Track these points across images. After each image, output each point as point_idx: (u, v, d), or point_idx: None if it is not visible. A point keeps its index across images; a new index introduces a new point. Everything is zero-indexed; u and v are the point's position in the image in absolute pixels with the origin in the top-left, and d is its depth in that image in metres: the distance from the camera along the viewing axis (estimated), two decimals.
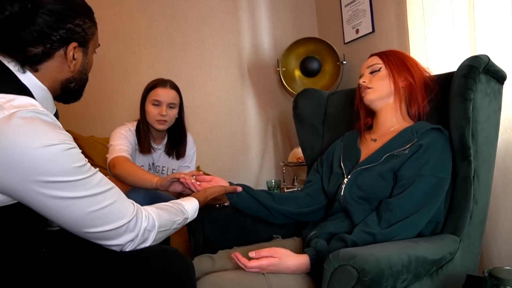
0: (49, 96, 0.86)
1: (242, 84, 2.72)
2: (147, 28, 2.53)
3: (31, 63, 0.81)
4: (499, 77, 1.10)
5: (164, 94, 1.63)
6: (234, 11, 2.69)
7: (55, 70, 0.84)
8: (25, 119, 0.71)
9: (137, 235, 0.86)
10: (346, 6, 2.42)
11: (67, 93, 0.91)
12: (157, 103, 1.62)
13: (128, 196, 1.42)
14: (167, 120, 1.64)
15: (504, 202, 1.36)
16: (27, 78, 0.81)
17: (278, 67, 2.52)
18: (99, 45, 0.97)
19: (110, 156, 1.56)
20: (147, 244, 0.89)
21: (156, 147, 1.74)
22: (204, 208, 1.16)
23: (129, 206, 0.86)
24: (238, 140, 2.72)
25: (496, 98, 1.11)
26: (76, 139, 2.02)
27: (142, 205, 1.59)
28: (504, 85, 1.14)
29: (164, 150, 1.75)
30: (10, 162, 0.69)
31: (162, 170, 1.75)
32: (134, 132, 1.66)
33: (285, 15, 2.78)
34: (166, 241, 1.23)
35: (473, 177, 1.05)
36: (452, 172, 1.06)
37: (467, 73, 1.03)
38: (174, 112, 1.66)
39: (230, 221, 1.32)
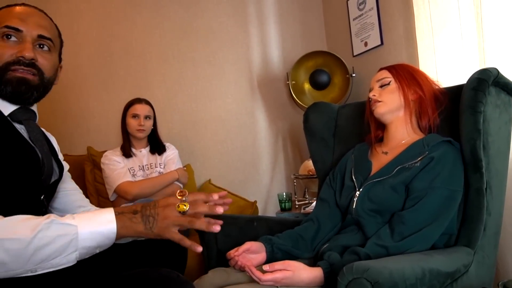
0: None
1: (252, 98, 2.75)
2: (158, 44, 2.58)
3: None
4: (509, 89, 1.10)
5: (140, 109, 2.05)
6: (244, 25, 2.74)
7: None
8: None
9: None
10: (354, 19, 2.45)
11: None
12: (136, 116, 2.03)
13: None
14: (145, 129, 2.06)
15: None
16: None
17: (288, 80, 2.55)
18: (9, 28, 0.91)
19: (113, 186, 1.93)
20: None
21: (141, 151, 2.12)
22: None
23: None
24: (249, 153, 2.74)
25: (506, 110, 1.11)
26: (94, 155, 2.13)
27: None
28: None
29: (150, 151, 2.14)
30: None
31: (151, 166, 2.10)
32: (119, 150, 2.07)
33: (294, 29, 2.82)
34: (182, 262, 1.21)
35: (486, 188, 1.05)
36: (465, 184, 1.06)
37: (476, 86, 1.04)
38: (150, 123, 2.08)
39: (243, 234, 1.33)
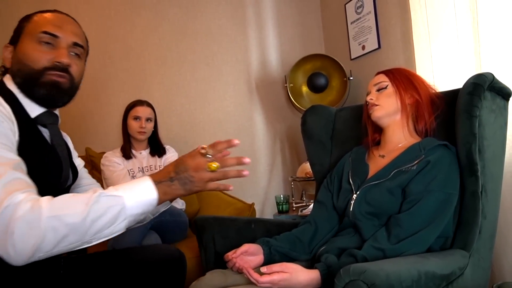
0: (21, 95, 0.95)
1: (250, 100, 2.76)
2: (157, 46, 2.59)
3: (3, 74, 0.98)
4: (504, 93, 1.12)
5: (142, 111, 2.05)
6: (242, 28, 2.75)
7: (9, 72, 0.97)
8: None
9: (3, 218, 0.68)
10: (352, 23, 2.47)
11: (23, 91, 0.95)
12: (137, 118, 2.04)
13: None
14: (146, 132, 2.06)
15: None
16: (8, 80, 0.95)
17: (286, 83, 2.56)
18: (48, 33, 0.95)
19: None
20: (27, 237, 0.68)
21: (141, 153, 2.12)
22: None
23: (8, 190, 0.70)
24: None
25: (502, 114, 1.13)
26: (92, 156, 2.15)
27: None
28: (510, 101, 1.16)
29: (150, 153, 2.14)
30: None
31: (150, 168, 2.11)
32: (119, 151, 2.08)
33: (292, 32, 2.84)
34: (181, 276, 1.22)
35: (481, 192, 1.06)
36: (460, 187, 1.07)
37: (472, 91, 1.05)
38: (151, 125, 2.09)
39: (241, 236, 1.34)
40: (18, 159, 0.78)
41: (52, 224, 0.68)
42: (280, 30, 2.82)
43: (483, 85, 1.04)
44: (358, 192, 1.16)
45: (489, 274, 1.13)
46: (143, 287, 1.12)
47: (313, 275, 0.99)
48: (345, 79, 2.45)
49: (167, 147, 2.20)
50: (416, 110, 1.19)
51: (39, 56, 0.93)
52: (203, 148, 0.84)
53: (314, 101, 2.48)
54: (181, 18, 2.64)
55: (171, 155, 2.17)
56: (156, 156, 2.14)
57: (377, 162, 1.21)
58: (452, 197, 1.04)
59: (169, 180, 0.81)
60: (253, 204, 2.12)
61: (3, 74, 1.00)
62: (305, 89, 2.58)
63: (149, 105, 2.11)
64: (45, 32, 0.94)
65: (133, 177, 2.03)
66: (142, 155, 2.13)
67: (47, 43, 0.95)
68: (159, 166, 2.12)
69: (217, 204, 2.26)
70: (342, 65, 2.44)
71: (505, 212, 1.36)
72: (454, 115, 1.13)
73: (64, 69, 0.96)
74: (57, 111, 1.05)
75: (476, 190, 1.06)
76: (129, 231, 1.66)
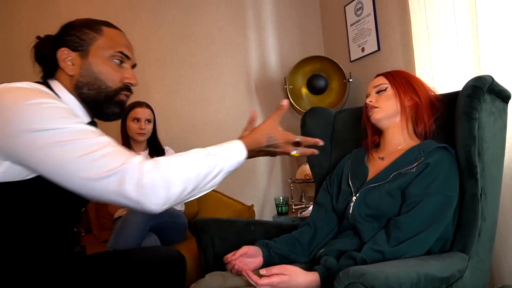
0: (76, 103, 0.96)
1: (249, 102, 2.76)
2: (157, 48, 2.60)
3: (50, 74, 0.98)
4: (504, 96, 1.12)
5: (141, 112, 2.06)
6: (242, 30, 2.75)
7: (62, 77, 0.97)
8: (16, 86, 0.83)
9: (133, 175, 0.79)
10: (351, 25, 2.48)
11: (88, 102, 0.98)
12: (137, 119, 2.05)
13: (129, 212, 1.55)
14: (145, 133, 2.07)
15: None
16: (54, 84, 0.96)
17: (285, 85, 2.56)
18: (123, 54, 1.00)
19: None
20: (159, 189, 0.80)
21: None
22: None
23: (123, 153, 0.83)
24: None
25: (501, 117, 1.13)
26: None
27: (141, 224, 1.75)
28: (509, 104, 1.16)
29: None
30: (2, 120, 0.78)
31: None
32: None
33: (291, 34, 2.84)
34: (181, 277, 1.25)
35: (481, 194, 1.06)
36: (460, 190, 1.07)
37: (471, 93, 1.05)
38: (150, 126, 2.10)
39: (240, 238, 1.34)
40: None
41: (172, 178, 0.81)
42: (279, 32, 2.82)
43: (482, 88, 1.04)
44: (357, 195, 1.16)
45: (488, 277, 1.13)
46: (144, 287, 1.12)
47: (312, 277, 0.99)
48: (344, 81, 2.45)
49: (166, 148, 2.20)
50: (415, 112, 1.19)
51: (115, 76, 0.98)
52: (296, 143, 1.01)
53: (314, 103, 2.49)
54: (181, 20, 2.65)
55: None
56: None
57: (376, 164, 1.21)
58: (451, 200, 1.04)
59: (259, 150, 0.97)
60: (252, 206, 2.12)
61: (47, 76, 0.98)
62: (304, 91, 2.58)
63: (148, 106, 2.12)
64: (123, 53, 0.99)
65: None
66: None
67: (117, 61, 0.98)
68: None
69: (216, 206, 2.26)
70: (341, 67, 2.44)
71: (505, 215, 1.36)
72: (453, 118, 1.13)
73: (130, 88, 1.03)
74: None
75: (476, 192, 1.06)
76: (128, 232, 1.67)
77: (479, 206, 1.06)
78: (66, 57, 0.95)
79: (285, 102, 1.03)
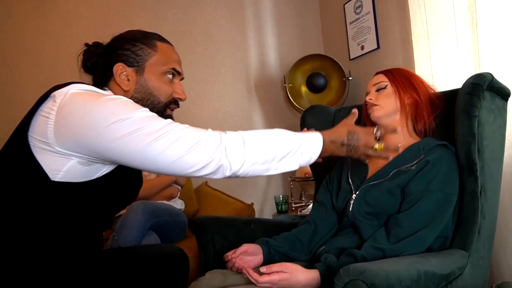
0: None
1: (249, 100, 2.76)
2: None
3: (101, 83, 1.00)
4: (503, 93, 1.12)
5: None
6: (241, 29, 2.75)
7: (115, 89, 0.98)
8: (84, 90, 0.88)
9: (216, 147, 0.83)
10: (351, 23, 2.47)
11: None
12: None
13: (129, 211, 1.56)
14: None
15: None
16: (108, 93, 0.97)
17: (285, 83, 2.56)
18: (175, 70, 1.03)
19: None
20: (237, 163, 0.84)
21: None
22: None
23: (200, 130, 0.86)
24: None
25: (501, 114, 1.13)
26: None
27: (141, 223, 1.76)
28: (509, 101, 1.16)
29: None
30: (80, 122, 0.82)
31: None
32: None
33: (291, 32, 2.84)
34: (184, 275, 1.27)
35: (480, 192, 1.06)
36: (459, 187, 1.07)
37: (471, 91, 1.05)
38: None
39: (240, 236, 1.34)
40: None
41: (252, 151, 0.84)
42: (279, 30, 2.82)
43: (482, 85, 1.05)
44: (357, 192, 1.16)
45: (488, 274, 1.13)
46: (147, 283, 1.13)
47: (312, 275, 0.99)
48: (344, 79, 2.45)
49: None
50: (415, 110, 1.19)
51: (167, 91, 1.01)
52: (377, 130, 0.97)
53: (313, 102, 2.48)
54: (180, 19, 2.64)
55: None
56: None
57: (376, 162, 1.21)
58: (451, 197, 1.04)
59: (340, 144, 0.94)
60: (252, 204, 2.12)
61: (99, 85, 0.99)
62: (304, 89, 2.58)
63: None
64: (175, 70, 1.02)
65: None
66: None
67: (170, 76, 1.02)
68: None
69: (216, 204, 2.26)
70: (341, 65, 2.44)
71: (504, 212, 1.36)
72: (453, 115, 1.13)
73: (178, 103, 1.06)
74: None
75: (475, 190, 1.06)
76: (128, 231, 1.67)
77: (479, 203, 1.06)
78: (122, 72, 0.97)
79: (354, 110, 1.06)
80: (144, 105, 0.96)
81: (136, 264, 1.15)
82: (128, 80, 0.97)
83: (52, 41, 2.48)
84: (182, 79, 1.07)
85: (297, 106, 2.52)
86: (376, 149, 0.96)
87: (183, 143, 0.81)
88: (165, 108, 1.02)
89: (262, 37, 2.79)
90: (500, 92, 1.11)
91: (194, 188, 2.54)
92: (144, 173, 2.07)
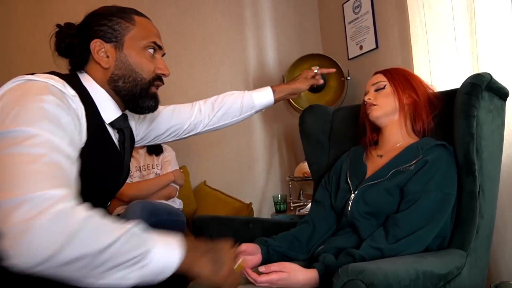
0: (106, 96, 0.94)
1: None
2: None
3: (79, 66, 0.94)
4: (502, 94, 1.12)
5: None
6: (240, 28, 2.75)
7: (94, 69, 0.93)
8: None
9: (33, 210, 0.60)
10: (349, 23, 2.47)
11: (123, 95, 0.95)
12: None
13: (128, 211, 1.52)
14: None
15: (510, 216, 1.37)
16: (84, 77, 0.92)
17: (284, 83, 2.56)
18: (156, 44, 0.97)
19: None
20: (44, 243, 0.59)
21: (138, 152, 2.14)
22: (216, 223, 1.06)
23: (59, 191, 0.64)
24: (244, 154, 2.75)
25: (499, 114, 1.13)
26: None
27: (141, 218, 1.77)
28: (507, 101, 1.16)
29: (147, 152, 2.14)
30: None
31: (147, 167, 2.11)
32: None
33: (289, 32, 2.83)
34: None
35: (479, 192, 1.06)
36: (458, 187, 1.08)
37: (470, 91, 1.05)
38: None
39: (239, 236, 1.33)
40: (69, 150, 0.73)
41: (74, 239, 0.61)
42: (277, 29, 2.82)
43: (481, 85, 1.05)
44: (356, 192, 1.16)
45: (486, 274, 1.13)
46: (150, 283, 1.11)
47: (311, 274, 0.99)
48: (342, 79, 2.45)
49: (164, 146, 2.19)
50: (414, 110, 1.20)
51: (149, 67, 0.95)
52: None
53: (312, 101, 2.48)
54: (178, 17, 2.64)
55: (168, 154, 2.17)
56: (153, 155, 2.14)
57: (375, 162, 1.22)
58: (449, 197, 1.05)
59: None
60: (250, 203, 2.12)
61: (75, 68, 0.95)
62: None
63: None
64: (156, 44, 0.96)
65: (130, 176, 2.02)
66: (139, 154, 2.12)
67: (151, 51, 0.96)
68: (157, 165, 2.12)
69: (214, 204, 2.26)
70: (339, 65, 2.44)
71: (502, 212, 1.36)
72: (452, 115, 1.13)
73: (162, 79, 1.00)
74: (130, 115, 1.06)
75: (474, 190, 1.06)
76: None
77: (477, 203, 1.06)
78: (100, 48, 0.92)
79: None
80: (126, 82, 0.93)
81: None
82: (108, 56, 0.92)
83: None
84: (163, 54, 1.02)
85: (296, 105, 2.52)
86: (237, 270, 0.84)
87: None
88: (149, 86, 0.96)
89: (260, 37, 2.79)
90: (498, 92, 1.11)
91: (192, 187, 2.54)
92: (143, 173, 2.07)
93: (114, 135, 0.98)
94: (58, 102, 0.76)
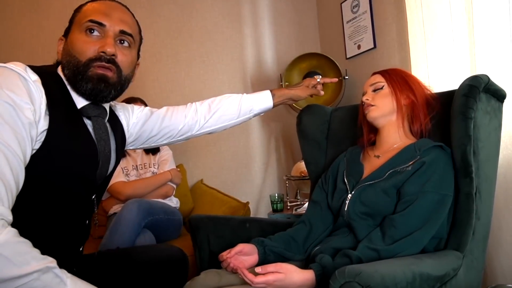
0: (70, 89, 0.94)
1: None
2: (152, 43, 2.58)
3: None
4: (499, 95, 1.12)
5: None
6: (238, 26, 2.74)
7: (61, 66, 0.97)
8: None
9: None
10: (347, 22, 2.47)
11: (70, 83, 0.93)
12: None
13: (124, 209, 1.49)
14: None
15: (506, 218, 1.38)
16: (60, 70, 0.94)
17: (281, 82, 2.56)
18: (94, 22, 0.91)
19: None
20: None
21: (135, 151, 2.12)
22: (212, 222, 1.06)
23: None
24: (241, 153, 2.74)
25: (496, 116, 1.13)
26: None
27: (136, 221, 1.77)
28: (504, 103, 1.17)
29: (144, 151, 2.13)
30: None
31: (144, 166, 2.10)
32: None
33: (288, 30, 2.83)
34: (183, 276, 1.22)
35: (475, 193, 1.06)
36: (455, 188, 1.08)
37: (467, 93, 1.05)
38: None
39: (236, 236, 1.34)
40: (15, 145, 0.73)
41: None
42: (276, 28, 2.81)
43: (478, 87, 1.05)
44: (353, 192, 1.16)
45: (482, 276, 1.13)
46: (146, 286, 1.11)
47: (307, 275, 0.99)
48: (340, 78, 2.45)
49: (164, 151, 2.19)
50: (411, 111, 1.20)
51: (84, 47, 0.89)
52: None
53: (309, 101, 2.48)
54: (176, 15, 2.63)
55: (165, 153, 2.17)
56: (150, 154, 2.14)
57: (372, 163, 1.22)
58: (446, 198, 1.05)
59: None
60: (247, 203, 2.11)
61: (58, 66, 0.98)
62: None
63: (142, 101, 2.11)
64: (92, 21, 0.90)
65: (127, 175, 2.01)
66: (136, 153, 2.12)
67: (93, 31, 0.91)
68: (154, 164, 2.11)
69: (211, 203, 2.26)
70: (337, 64, 2.44)
71: (498, 214, 1.37)
72: (449, 117, 1.13)
73: (110, 60, 0.91)
74: (106, 105, 1.02)
75: (470, 191, 1.06)
76: (123, 229, 1.66)
77: (474, 205, 1.06)
78: (60, 45, 0.96)
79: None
80: (68, 69, 0.91)
81: (135, 266, 1.14)
82: (63, 49, 0.95)
83: (47, 36, 2.46)
84: (122, 32, 0.94)
85: (294, 105, 2.51)
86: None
87: None
88: (85, 69, 0.90)
89: (259, 35, 2.78)
90: (496, 94, 1.11)
91: (189, 186, 2.53)
92: (140, 172, 2.06)
93: (89, 125, 0.97)
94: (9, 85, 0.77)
